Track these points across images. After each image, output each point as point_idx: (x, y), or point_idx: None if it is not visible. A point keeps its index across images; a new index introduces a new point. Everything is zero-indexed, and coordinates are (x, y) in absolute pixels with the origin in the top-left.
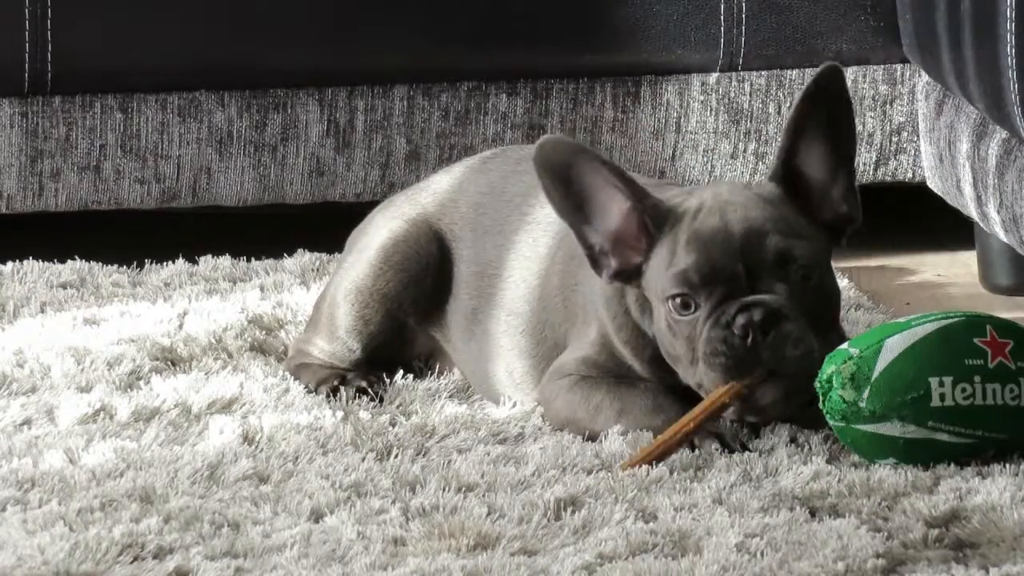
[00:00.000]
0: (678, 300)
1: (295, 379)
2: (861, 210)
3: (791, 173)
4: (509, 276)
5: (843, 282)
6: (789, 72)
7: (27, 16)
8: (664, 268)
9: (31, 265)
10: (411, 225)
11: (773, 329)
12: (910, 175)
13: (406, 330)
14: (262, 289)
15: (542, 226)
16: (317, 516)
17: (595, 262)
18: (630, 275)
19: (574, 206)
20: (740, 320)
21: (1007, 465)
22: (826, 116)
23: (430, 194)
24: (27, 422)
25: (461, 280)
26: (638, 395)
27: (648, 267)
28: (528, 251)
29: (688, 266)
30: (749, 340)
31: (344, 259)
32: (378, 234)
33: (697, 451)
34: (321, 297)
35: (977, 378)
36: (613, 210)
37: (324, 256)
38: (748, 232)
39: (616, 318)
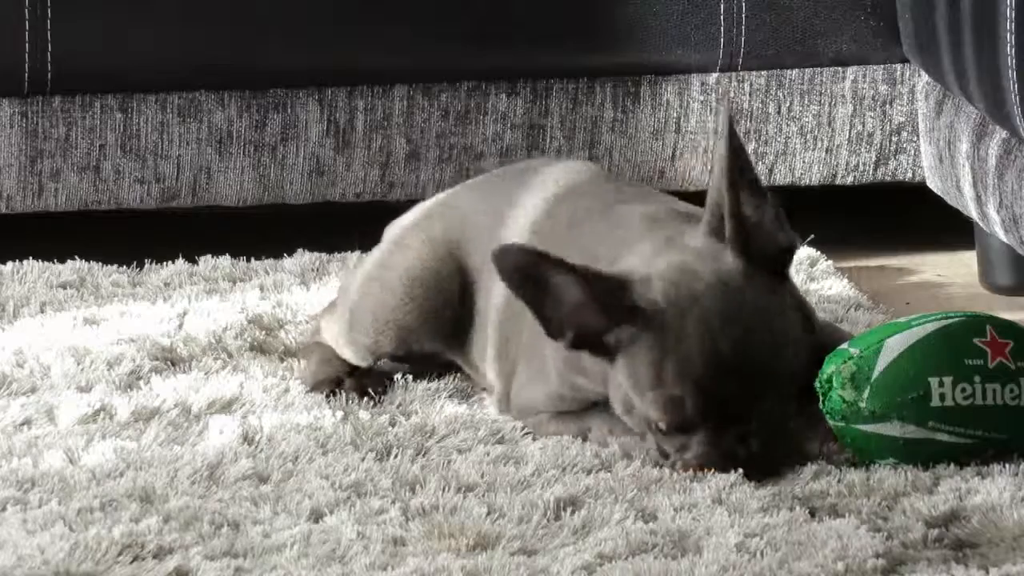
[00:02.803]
0: (669, 424)
1: (304, 357)
2: (793, 233)
3: (743, 227)
4: (493, 304)
5: (843, 282)
6: (789, 72)
7: (27, 16)
8: (646, 381)
9: (31, 265)
10: (435, 257)
11: (771, 448)
12: (910, 175)
13: (426, 354)
14: (262, 289)
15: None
16: (317, 516)
17: (552, 332)
18: (591, 345)
19: (533, 293)
20: (740, 452)
21: (1007, 465)
22: (737, 158)
23: (458, 216)
24: (27, 422)
25: (480, 313)
26: (605, 426)
27: (618, 358)
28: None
29: (682, 395)
30: (746, 463)
31: (371, 258)
32: (406, 256)
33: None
34: (344, 293)
35: (977, 378)
36: (567, 291)
37: (324, 256)
38: (740, 356)
39: (569, 359)
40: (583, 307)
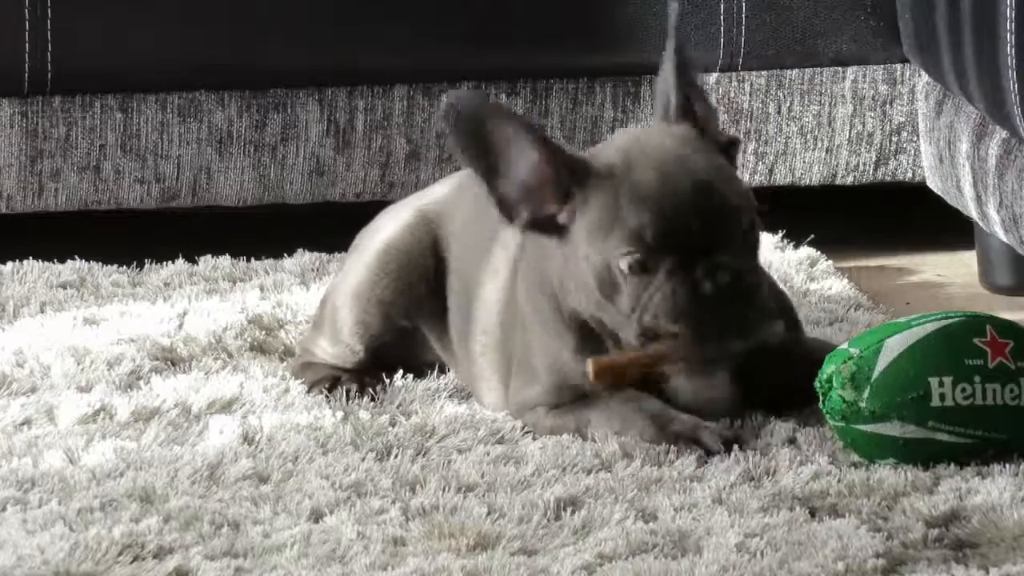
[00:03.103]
0: (631, 260)
1: (296, 378)
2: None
3: (689, 106)
4: (481, 295)
5: (843, 282)
6: (789, 72)
7: (27, 16)
8: (604, 226)
9: (31, 265)
10: (408, 232)
11: (738, 294)
12: (910, 175)
13: (411, 334)
14: (262, 289)
15: (506, 245)
16: (317, 516)
17: (506, 212)
18: (545, 226)
19: (483, 157)
20: (707, 285)
21: (1007, 465)
22: (683, 63)
23: (431, 202)
24: (27, 422)
25: (452, 293)
26: (603, 416)
27: (574, 225)
28: (494, 270)
29: (641, 224)
30: (715, 304)
31: (347, 260)
32: (378, 239)
33: (692, 452)
34: (324, 298)
35: (977, 378)
36: (523, 162)
37: (324, 256)
38: (696, 186)
39: (548, 319)
40: (537, 184)
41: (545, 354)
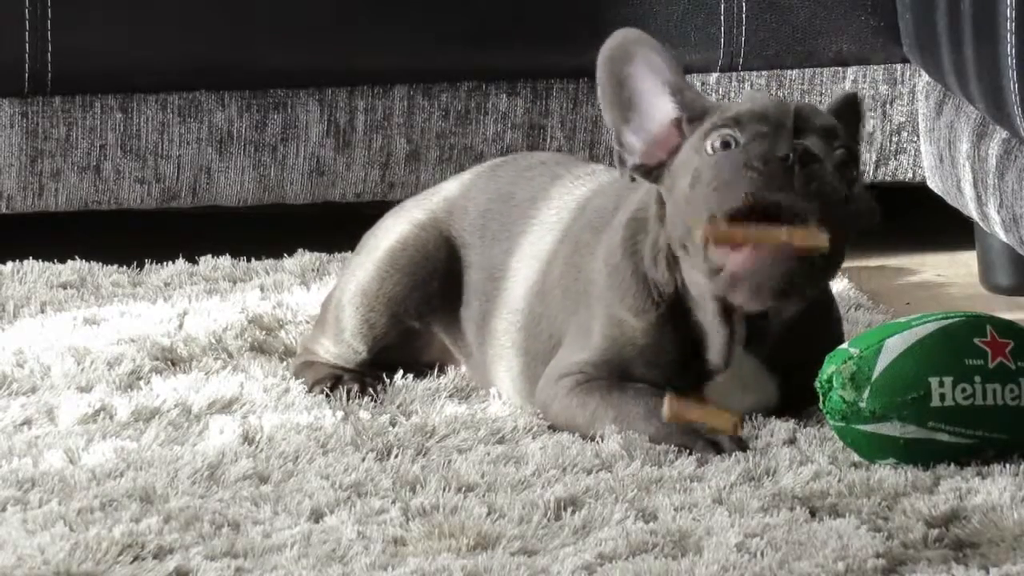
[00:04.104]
0: (720, 134)
1: (297, 378)
2: None
3: None
4: (513, 276)
5: (843, 282)
6: (789, 72)
7: (27, 16)
8: (705, 129)
9: (31, 265)
10: (419, 229)
11: (813, 164)
12: (910, 175)
13: (416, 334)
14: (262, 289)
15: (547, 226)
16: (317, 516)
17: (621, 157)
18: (649, 171)
19: (619, 106)
20: (783, 147)
21: (1007, 465)
22: None
23: (440, 199)
24: (27, 422)
25: (471, 286)
26: (631, 402)
27: (676, 156)
28: (531, 250)
29: (739, 112)
30: (788, 163)
31: (352, 261)
32: (386, 237)
33: (694, 453)
34: (328, 298)
35: (977, 378)
36: (656, 114)
37: (324, 256)
38: (801, 105)
39: (623, 283)
40: (663, 137)
41: (606, 314)
